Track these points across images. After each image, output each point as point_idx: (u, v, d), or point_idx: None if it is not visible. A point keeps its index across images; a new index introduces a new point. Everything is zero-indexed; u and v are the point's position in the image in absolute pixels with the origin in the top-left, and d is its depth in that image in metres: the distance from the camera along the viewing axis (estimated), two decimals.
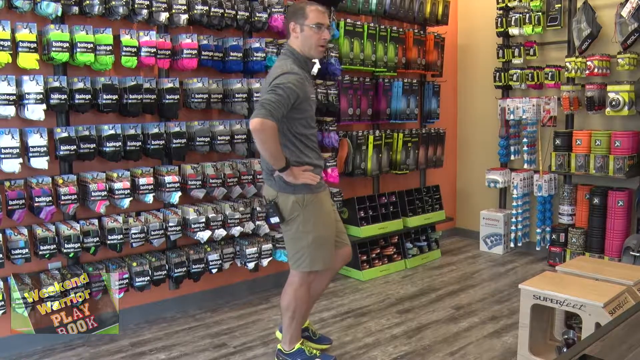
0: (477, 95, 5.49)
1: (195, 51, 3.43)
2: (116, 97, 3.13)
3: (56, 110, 3.03)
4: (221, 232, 3.57)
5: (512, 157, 5.09)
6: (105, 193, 3.14)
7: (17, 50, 2.87)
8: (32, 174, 3.05)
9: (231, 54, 3.59)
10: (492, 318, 3.63)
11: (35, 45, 2.90)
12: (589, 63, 4.34)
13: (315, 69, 3.33)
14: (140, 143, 3.26)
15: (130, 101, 3.18)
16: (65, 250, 3.04)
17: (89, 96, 3.06)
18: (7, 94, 2.81)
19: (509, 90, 5.13)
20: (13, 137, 2.85)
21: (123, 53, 3.18)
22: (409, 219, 4.80)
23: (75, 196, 3.05)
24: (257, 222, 3.76)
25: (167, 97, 3.34)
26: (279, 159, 2.58)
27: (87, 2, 3.02)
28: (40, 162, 2.95)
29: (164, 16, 3.30)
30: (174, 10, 3.35)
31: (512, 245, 5.09)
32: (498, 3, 4.98)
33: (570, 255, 4.58)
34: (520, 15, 4.77)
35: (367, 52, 4.39)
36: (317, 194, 2.75)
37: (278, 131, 2.57)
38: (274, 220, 2.74)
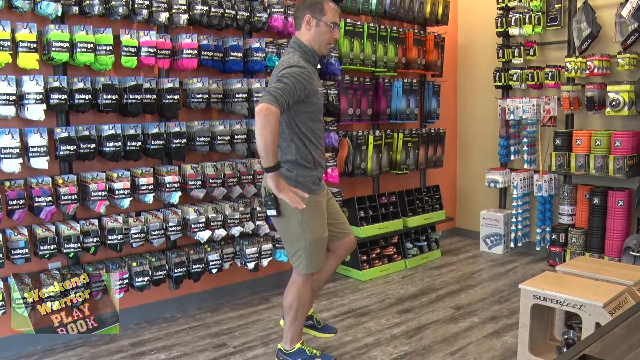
0: (477, 95, 5.49)
1: (195, 51, 3.43)
2: (116, 97, 3.13)
3: (56, 110, 3.02)
4: (221, 232, 3.57)
5: (512, 157, 5.09)
6: (105, 193, 3.14)
7: (17, 50, 2.87)
8: (32, 174, 3.04)
9: (231, 54, 3.59)
10: (492, 318, 3.63)
11: (35, 45, 2.90)
12: (589, 63, 4.34)
13: None
14: (140, 143, 3.26)
15: (130, 101, 3.18)
16: (65, 250, 3.04)
17: (89, 96, 3.06)
18: (7, 94, 2.81)
19: (509, 90, 5.13)
20: (13, 137, 2.85)
21: (123, 53, 3.18)
22: (409, 219, 4.80)
23: (75, 196, 3.05)
24: (257, 222, 3.76)
25: (167, 97, 3.34)
26: (270, 154, 2.47)
27: (87, 2, 3.02)
28: (40, 162, 2.95)
29: (164, 16, 3.30)
30: (174, 10, 3.35)
31: (512, 245, 5.09)
32: (498, 3, 4.98)
33: (570, 255, 4.58)
34: (520, 15, 4.77)
35: (367, 52, 4.39)
36: (316, 195, 2.76)
37: (283, 124, 2.58)
38: (270, 212, 2.73)
